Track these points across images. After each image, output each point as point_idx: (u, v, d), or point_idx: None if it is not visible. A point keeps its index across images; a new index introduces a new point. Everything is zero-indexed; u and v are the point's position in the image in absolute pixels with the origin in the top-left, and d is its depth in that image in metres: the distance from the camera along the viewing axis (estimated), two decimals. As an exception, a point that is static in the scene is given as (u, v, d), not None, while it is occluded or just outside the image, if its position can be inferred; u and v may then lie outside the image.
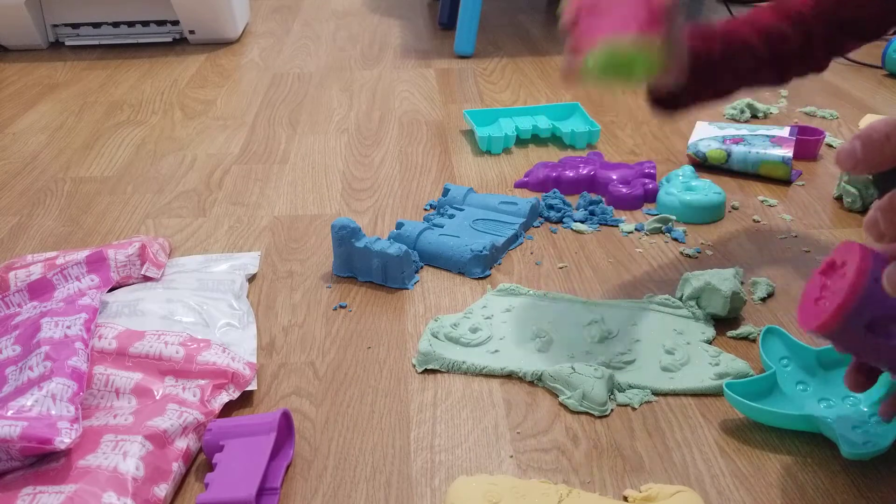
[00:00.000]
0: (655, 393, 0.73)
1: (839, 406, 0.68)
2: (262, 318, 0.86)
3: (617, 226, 1.02)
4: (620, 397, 0.73)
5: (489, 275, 0.92)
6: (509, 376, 0.76)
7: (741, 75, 0.84)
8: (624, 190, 1.07)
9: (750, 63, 0.83)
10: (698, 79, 0.79)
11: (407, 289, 0.90)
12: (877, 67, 1.59)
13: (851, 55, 1.59)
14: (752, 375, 0.74)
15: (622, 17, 0.66)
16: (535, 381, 0.75)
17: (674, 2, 0.69)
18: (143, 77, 1.69)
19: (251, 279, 0.93)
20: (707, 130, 1.22)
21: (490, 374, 0.76)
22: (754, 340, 0.80)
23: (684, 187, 1.04)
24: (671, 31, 0.69)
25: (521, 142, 1.29)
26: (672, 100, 0.81)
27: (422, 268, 0.94)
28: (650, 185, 1.08)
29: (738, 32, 0.82)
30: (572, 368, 0.73)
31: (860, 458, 0.63)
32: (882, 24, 0.82)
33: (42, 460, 0.62)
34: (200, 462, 0.67)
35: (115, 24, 1.90)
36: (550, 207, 1.05)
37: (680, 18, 0.72)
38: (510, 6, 2.22)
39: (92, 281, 0.84)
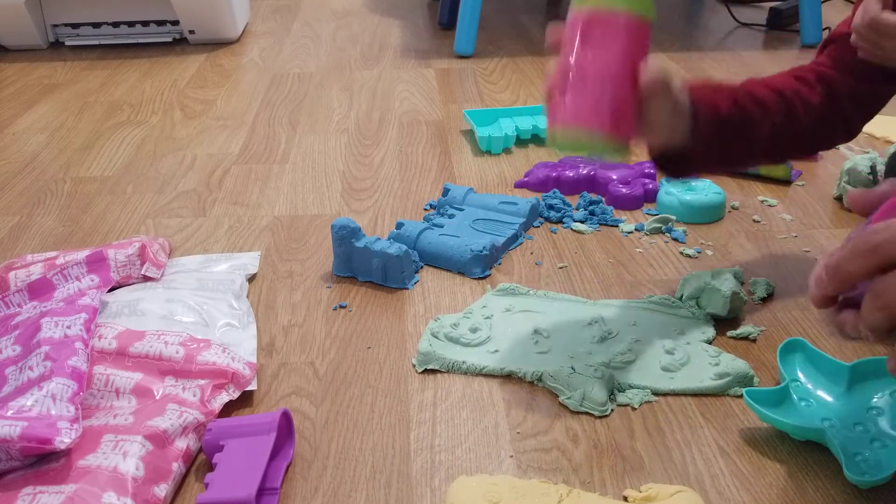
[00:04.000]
0: (655, 393, 0.73)
1: (840, 428, 0.68)
2: (262, 318, 0.86)
3: (617, 226, 1.02)
4: (620, 397, 0.73)
5: (489, 275, 0.92)
6: (509, 376, 0.76)
7: (755, 142, 0.78)
8: (624, 190, 1.07)
9: (765, 128, 0.77)
10: (704, 141, 0.73)
11: (407, 289, 0.90)
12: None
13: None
14: (752, 375, 0.74)
15: (592, 102, 0.66)
16: (535, 382, 0.75)
17: (661, 76, 0.67)
18: (143, 77, 1.69)
19: (251, 279, 0.93)
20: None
21: (490, 374, 0.76)
22: (754, 340, 0.80)
23: (684, 187, 1.04)
24: (657, 103, 0.67)
25: (521, 142, 1.29)
26: (677, 163, 0.75)
27: (422, 268, 0.94)
28: (650, 185, 1.08)
29: (749, 90, 0.76)
30: (572, 369, 0.73)
31: (862, 486, 0.62)
32: None
33: (42, 460, 0.62)
34: (200, 462, 0.67)
35: (115, 24, 1.90)
36: (550, 207, 1.05)
37: (676, 81, 0.69)
38: (510, 6, 2.22)
39: (92, 281, 0.84)
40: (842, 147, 1.24)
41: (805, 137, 0.81)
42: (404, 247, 0.90)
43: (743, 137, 0.77)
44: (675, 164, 0.76)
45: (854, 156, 1.10)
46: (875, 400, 0.69)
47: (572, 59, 0.67)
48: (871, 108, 0.84)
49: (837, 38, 0.82)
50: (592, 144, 0.67)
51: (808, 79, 0.80)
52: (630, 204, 1.06)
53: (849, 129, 0.84)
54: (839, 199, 1.08)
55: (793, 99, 0.78)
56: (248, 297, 0.89)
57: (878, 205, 0.51)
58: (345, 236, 0.90)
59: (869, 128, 1.30)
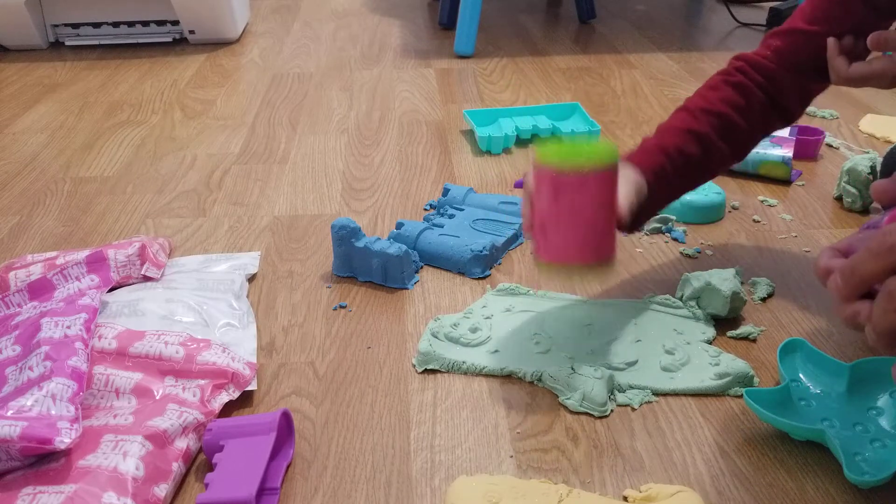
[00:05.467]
0: (655, 393, 0.73)
1: (840, 428, 0.68)
2: (262, 318, 0.86)
3: (617, 226, 1.02)
4: (620, 397, 0.73)
5: (489, 275, 0.92)
6: (509, 376, 0.76)
7: (704, 173, 0.86)
8: (624, 190, 1.07)
9: (713, 158, 0.83)
10: (659, 200, 0.80)
11: (407, 289, 0.90)
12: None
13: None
14: (752, 375, 0.74)
15: (575, 244, 0.71)
16: (535, 382, 0.75)
17: (631, 202, 0.73)
18: (143, 77, 1.69)
19: (251, 279, 0.93)
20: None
21: (490, 374, 0.76)
22: (754, 340, 0.80)
23: (684, 187, 1.04)
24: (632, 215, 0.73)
25: (521, 142, 1.29)
26: (636, 222, 0.80)
27: (422, 268, 0.94)
28: (650, 185, 1.08)
29: (688, 128, 0.82)
30: (572, 369, 0.73)
31: (862, 486, 0.62)
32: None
33: (42, 460, 0.62)
34: (200, 462, 0.67)
35: (115, 24, 1.90)
36: (550, 207, 1.05)
37: (640, 186, 0.76)
38: (510, 6, 2.22)
39: (92, 281, 0.84)
40: (842, 147, 1.24)
41: (747, 140, 0.87)
42: (404, 247, 0.90)
43: (693, 177, 0.85)
44: (632, 225, 0.80)
45: (854, 156, 1.10)
46: (875, 400, 0.69)
47: (547, 209, 0.70)
48: (810, 99, 0.88)
49: (785, 33, 0.85)
50: (582, 272, 0.73)
51: (747, 85, 0.84)
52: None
53: (788, 119, 0.88)
54: (839, 199, 1.08)
55: (731, 116, 0.83)
56: (248, 297, 0.89)
57: None
58: (345, 236, 0.90)
59: (869, 128, 1.31)
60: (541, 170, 0.70)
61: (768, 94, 0.84)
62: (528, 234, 0.75)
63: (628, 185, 0.74)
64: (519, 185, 1.14)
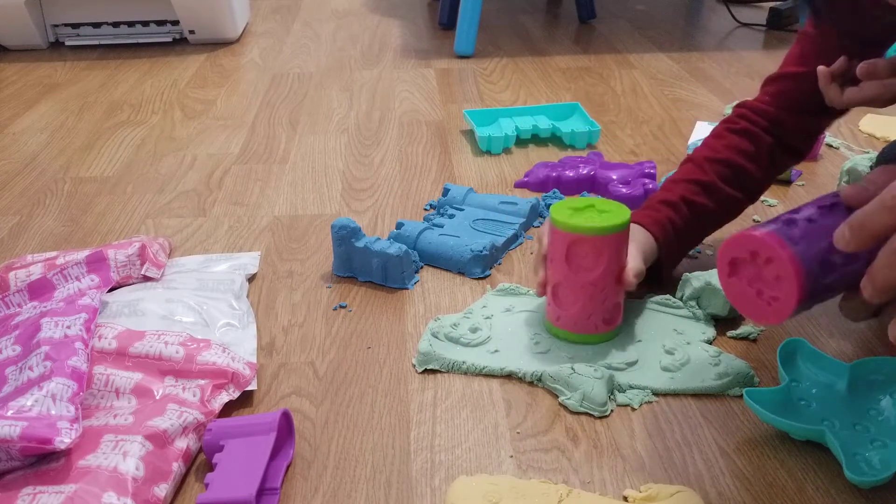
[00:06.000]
0: (655, 393, 0.73)
1: (840, 428, 0.68)
2: (262, 318, 0.86)
3: (617, 226, 1.02)
4: (620, 397, 0.73)
5: (489, 275, 0.92)
6: (509, 376, 0.76)
7: (719, 221, 0.89)
8: (624, 190, 1.07)
9: (728, 208, 0.87)
10: (669, 252, 0.84)
11: (407, 289, 0.90)
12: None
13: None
14: (752, 375, 0.74)
15: (586, 315, 0.77)
16: (535, 382, 0.75)
17: (639, 270, 0.77)
18: (143, 77, 1.69)
19: (251, 279, 0.93)
20: (707, 130, 1.21)
21: (490, 374, 0.76)
22: (755, 340, 0.80)
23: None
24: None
25: (521, 142, 1.29)
26: (655, 279, 0.85)
27: (422, 268, 0.94)
28: (650, 185, 1.08)
29: (691, 187, 0.85)
30: (572, 369, 0.73)
31: (863, 486, 0.62)
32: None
33: (42, 460, 0.62)
34: (200, 462, 0.67)
35: (115, 24, 1.91)
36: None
37: (648, 251, 0.80)
38: (510, 6, 2.22)
39: (92, 281, 0.84)
40: (842, 147, 1.24)
41: (760, 183, 0.89)
42: (404, 247, 0.90)
43: (704, 226, 0.88)
44: (653, 279, 0.84)
45: (854, 156, 1.10)
46: (875, 400, 0.69)
47: (562, 274, 0.76)
48: (818, 134, 0.92)
49: (778, 78, 0.88)
50: (589, 340, 0.79)
51: (752, 130, 0.87)
52: (630, 204, 1.06)
53: (799, 157, 0.91)
54: (839, 199, 1.08)
55: (738, 161, 0.86)
56: (248, 297, 0.89)
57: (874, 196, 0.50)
58: (345, 236, 0.90)
59: (869, 128, 1.31)
60: (558, 231, 0.75)
61: (775, 137, 0.86)
62: (541, 294, 0.80)
63: (634, 247, 0.78)
64: (519, 185, 1.14)
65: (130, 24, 1.91)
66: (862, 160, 1.06)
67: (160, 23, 1.91)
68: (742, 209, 0.90)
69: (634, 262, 0.77)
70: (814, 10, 0.79)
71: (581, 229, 0.73)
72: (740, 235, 0.53)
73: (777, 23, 1.96)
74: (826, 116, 0.86)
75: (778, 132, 0.87)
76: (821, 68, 0.77)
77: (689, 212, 0.84)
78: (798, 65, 0.85)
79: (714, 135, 0.89)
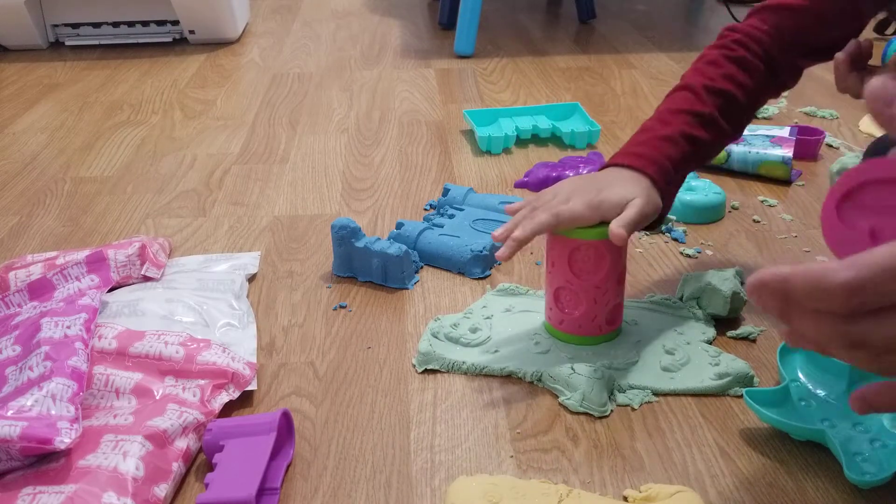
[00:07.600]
0: (655, 393, 0.73)
1: (840, 428, 0.68)
2: (262, 318, 0.86)
3: (617, 226, 1.02)
4: (620, 397, 0.73)
5: (489, 275, 0.92)
6: (509, 376, 0.76)
7: (713, 151, 0.83)
8: (624, 190, 1.07)
9: (720, 137, 0.81)
10: (670, 196, 0.79)
11: (407, 289, 0.90)
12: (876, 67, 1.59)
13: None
14: (752, 375, 0.74)
15: (589, 318, 0.78)
16: (535, 382, 0.75)
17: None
18: (143, 77, 1.69)
19: (251, 279, 0.93)
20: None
21: (490, 374, 0.76)
22: (754, 340, 0.80)
23: (684, 187, 1.04)
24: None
25: (521, 142, 1.29)
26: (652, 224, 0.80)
27: (422, 268, 0.94)
28: (650, 185, 1.08)
29: (693, 121, 0.79)
30: (572, 369, 0.73)
31: (863, 486, 0.62)
32: (841, 45, 0.79)
33: (42, 460, 0.62)
34: (200, 462, 0.67)
35: (115, 24, 1.91)
36: (550, 207, 1.05)
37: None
38: (510, 6, 2.22)
39: (92, 281, 0.84)
40: (842, 147, 1.24)
41: (746, 117, 0.84)
42: (404, 247, 0.90)
43: (698, 161, 0.82)
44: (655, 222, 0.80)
45: (841, 157, 1.09)
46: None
47: (565, 279, 0.76)
48: (801, 74, 0.87)
49: (778, 8, 0.83)
50: (591, 341, 0.79)
51: (750, 60, 0.81)
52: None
53: (783, 90, 0.87)
54: (839, 199, 1.08)
55: (734, 93, 0.80)
56: (248, 297, 0.89)
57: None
58: (345, 236, 0.90)
59: (869, 128, 1.31)
60: (560, 239, 0.75)
61: (768, 68, 0.82)
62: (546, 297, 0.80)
63: (635, 204, 0.73)
64: (519, 185, 1.14)
65: (130, 24, 1.91)
66: (850, 159, 1.05)
67: (160, 23, 1.91)
68: (727, 144, 0.86)
69: (628, 213, 0.72)
70: None
71: (583, 236, 0.73)
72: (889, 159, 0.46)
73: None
74: (813, 60, 0.83)
75: (772, 65, 0.82)
76: (838, 55, 0.75)
77: (689, 147, 0.78)
78: None
79: (709, 61, 0.82)
